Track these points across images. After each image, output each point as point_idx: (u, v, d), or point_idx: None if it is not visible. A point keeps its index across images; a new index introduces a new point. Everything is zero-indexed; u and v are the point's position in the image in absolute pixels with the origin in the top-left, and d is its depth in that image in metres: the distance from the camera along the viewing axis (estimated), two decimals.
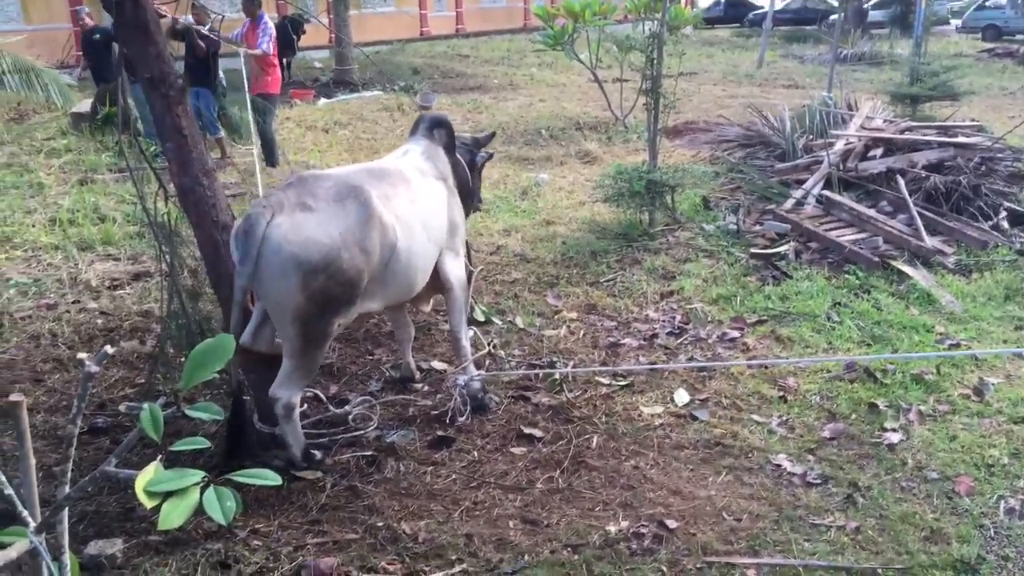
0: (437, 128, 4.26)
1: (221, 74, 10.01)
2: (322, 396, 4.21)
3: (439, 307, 5.35)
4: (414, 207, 3.74)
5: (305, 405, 4.14)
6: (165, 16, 8.71)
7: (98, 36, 10.67)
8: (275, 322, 3.45)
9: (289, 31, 16.54)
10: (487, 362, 4.73)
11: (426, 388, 4.48)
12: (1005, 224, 6.83)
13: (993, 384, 4.37)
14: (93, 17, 11.03)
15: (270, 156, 9.42)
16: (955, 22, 33.04)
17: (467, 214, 4.42)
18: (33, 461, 1.76)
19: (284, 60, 17.04)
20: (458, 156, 4.36)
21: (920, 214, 6.70)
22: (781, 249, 6.45)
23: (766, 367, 4.65)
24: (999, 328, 5.10)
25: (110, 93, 10.85)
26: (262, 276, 3.26)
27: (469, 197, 4.46)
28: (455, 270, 4.13)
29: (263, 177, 8.88)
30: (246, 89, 8.51)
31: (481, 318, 5.23)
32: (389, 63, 18.68)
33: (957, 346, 4.83)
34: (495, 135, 5.30)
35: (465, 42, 25.16)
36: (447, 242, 4.05)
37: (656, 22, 7.23)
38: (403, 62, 19.38)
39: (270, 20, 9.35)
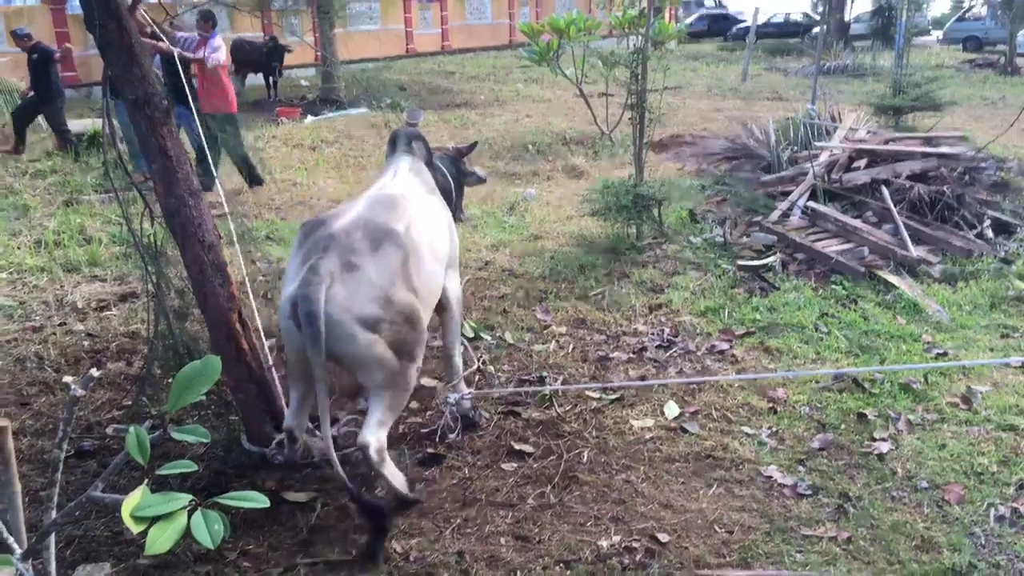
0: (415, 141, 4.24)
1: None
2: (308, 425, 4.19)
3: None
4: (424, 230, 3.71)
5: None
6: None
7: (35, 56, 10.67)
8: (359, 378, 3.34)
9: (273, 51, 16.59)
10: (476, 378, 4.72)
11: (415, 405, 4.46)
12: (989, 233, 6.89)
13: (981, 392, 4.39)
14: (32, 37, 10.99)
15: (253, 176, 9.30)
16: (936, 33, 33.42)
17: None
18: (19, 486, 1.75)
19: (270, 79, 17.10)
20: (439, 165, 4.36)
21: (905, 224, 6.75)
22: (768, 261, 6.48)
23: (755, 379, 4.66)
24: (985, 336, 5.13)
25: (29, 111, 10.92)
26: (336, 346, 3.19)
27: (452, 208, 4.45)
28: (453, 288, 4.10)
29: (250, 196, 8.87)
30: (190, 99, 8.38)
31: (470, 334, 5.23)
32: (375, 80, 18.72)
33: (944, 355, 4.85)
34: (476, 144, 5.33)
35: (451, 59, 25.25)
36: (449, 260, 4.03)
37: (640, 37, 7.27)
38: (389, 79, 19.43)
39: (221, 39, 9.20)
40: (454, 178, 4.58)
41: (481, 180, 5.11)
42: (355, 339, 3.20)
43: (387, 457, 3.37)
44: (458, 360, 4.21)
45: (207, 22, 9.14)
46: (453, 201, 4.49)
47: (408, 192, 3.88)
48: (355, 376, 3.33)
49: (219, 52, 9.00)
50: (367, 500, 3.33)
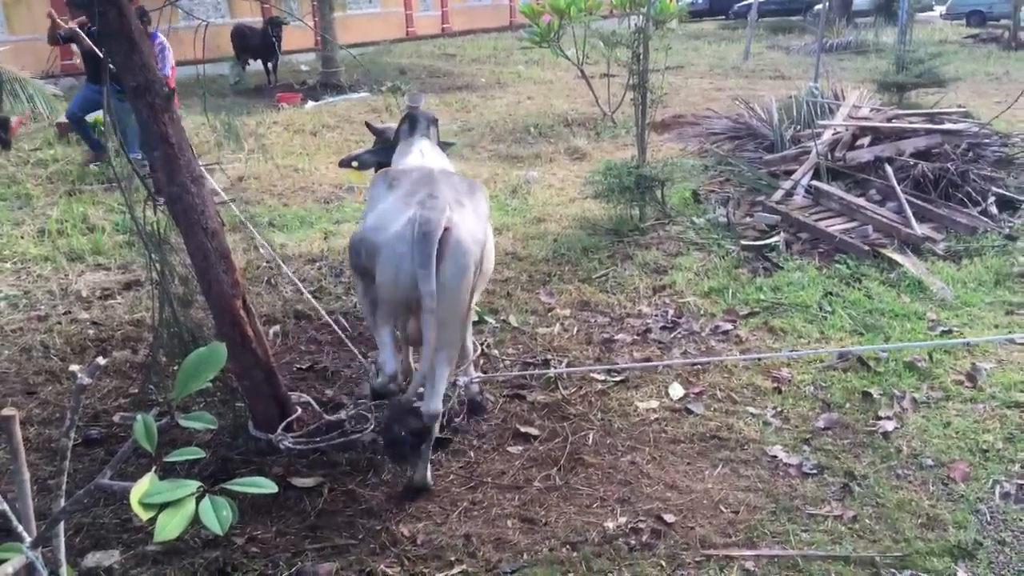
0: (433, 126, 4.29)
1: None
2: (312, 403, 4.20)
3: None
4: None
5: (299, 411, 4.14)
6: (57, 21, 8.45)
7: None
8: (442, 327, 3.25)
9: (270, 34, 16.50)
10: (481, 362, 4.73)
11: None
12: (994, 209, 6.86)
13: (986, 369, 4.39)
14: None
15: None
16: (939, 8, 33.13)
17: None
18: (27, 475, 1.76)
19: (269, 64, 17.03)
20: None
21: (909, 202, 6.72)
22: (771, 240, 6.46)
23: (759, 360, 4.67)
24: (990, 313, 5.12)
25: None
26: (450, 270, 3.19)
27: None
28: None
29: (252, 183, 8.86)
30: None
31: (475, 318, 5.23)
32: (376, 64, 18.65)
33: (949, 332, 4.84)
34: (454, 145, 5.23)
35: (451, 41, 25.13)
36: None
37: (642, 17, 7.22)
38: (390, 63, 19.35)
39: (164, 37, 8.29)
40: None
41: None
42: (468, 266, 3.23)
43: (435, 431, 3.45)
44: (469, 344, 4.20)
45: (143, 20, 8.49)
46: None
47: (447, 169, 3.93)
48: (438, 326, 3.20)
49: (170, 58, 8.28)
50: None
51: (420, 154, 4.03)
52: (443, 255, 3.16)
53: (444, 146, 4.52)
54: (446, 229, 3.17)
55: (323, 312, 5.18)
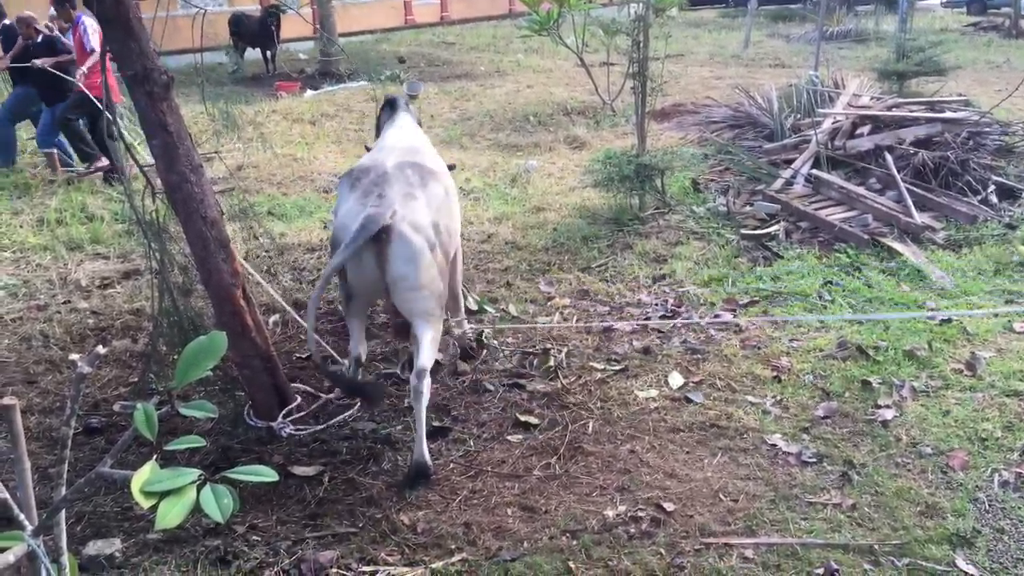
0: (411, 102, 4.88)
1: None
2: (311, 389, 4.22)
3: None
4: (445, 174, 4.18)
5: (299, 399, 4.15)
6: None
7: None
8: (412, 304, 3.64)
9: (268, 23, 16.43)
10: (483, 352, 4.74)
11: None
12: (994, 198, 6.86)
13: (985, 358, 4.39)
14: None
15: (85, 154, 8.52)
16: None
17: None
18: (28, 464, 1.76)
19: (268, 53, 16.96)
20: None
21: (909, 190, 6.72)
22: (771, 229, 6.45)
23: (759, 347, 4.67)
24: (990, 302, 5.12)
25: None
26: (395, 266, 3.54)
27: None
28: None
29: (252, 171, 8.84)
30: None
31: (474, 307, 5.24)
32: (374, 52, 18.58)
33: (948, 321, 4.84)
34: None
35: (450, 29, 25.02)
36: None
37: (641, 5, 7.19)
38: (388, 51, 19.26)
39: (88, 18, 8.15)
40: None
41: None
42: (420, 255, 3.58)
43: (426, 390, 3.62)
44: (460, 302, 4.61)
45: (64, 7, 8.40)
46: None
47: (423, 142, 4.41)
48: (407, 305, 3.63)
49: (96, 30, 8.03)
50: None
51: (399, 128, 4.48)
52: (391, 246, 3.52)
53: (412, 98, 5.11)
54: (389, 225, 3.51)
55: (270, 286, 5.17)
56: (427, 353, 3.63)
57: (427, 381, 3.59)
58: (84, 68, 8.07)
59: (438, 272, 3.67)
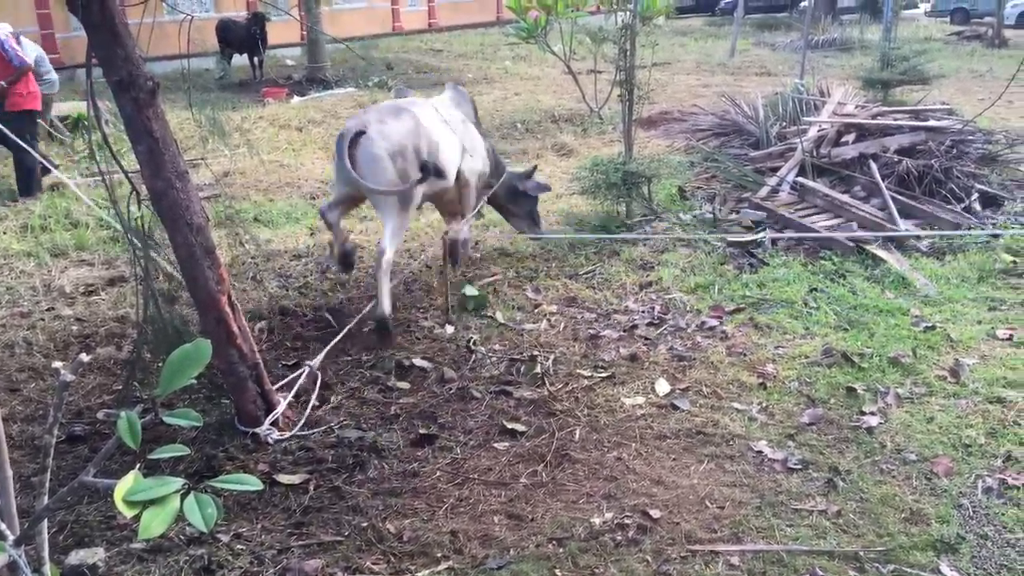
0: (466, 101, 5.91)
1: None
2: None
3: (419, 304, 5.38)
4: (435, 121, 5.29)
5: (284, 406, 4.13)
6: None
7: None
8: (373, 199, 5.13)
9: (254, 29, 16.41)
10: (472, 358, 4.74)
11: (407, 386, 4.47)
12: (977, 206, 6.92)
13: (969, 365, 4.42)
14: None
15: (25, 184, 8.25)
16: (924, 6, 33.34)
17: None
18: (10, 472, 1.75)
19: (255, 59, 16.94)
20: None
21: (893, 198, 6.77)
22: (757, 237, 6.48)
23: (745, 354, 4.69)
24: (973, 309, 5.16)
25: None
26: (364, 167, 4.85)
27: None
28: (469, 167, 5.62)
29: (238, 178, 8.81)
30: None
31: (475, 293, 5.40)
32: (362, 59, 18.57)
33: (932, 328, 4.88)
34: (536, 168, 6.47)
35: (438, 36, 25.07)
36: (468, 148, 5.62)
37: (628, 13, 7.23)
38: (376, 58, 19.28)
39: (3, 33, 8.19)
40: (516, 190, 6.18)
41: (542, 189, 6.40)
42: (382, 161, 4.87)
43: (388, 273, 4.89)
44: (469, 204, 5.77)
45: None
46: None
47: (426, 103, 5.51)
48: (371, 198, 5.13)
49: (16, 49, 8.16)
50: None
51: (425, 98, 5.85)
52: (358, 148, 4.85)
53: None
54: (360, 133, 4.85)
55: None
56: (387, 239, 4.91)
57: (386, 257, 4.84)
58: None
59: (397, 178, 4.87)
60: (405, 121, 5.00)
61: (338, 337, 4.74)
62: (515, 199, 6.24)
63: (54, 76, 9.41)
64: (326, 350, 4.58)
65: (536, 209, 6.36)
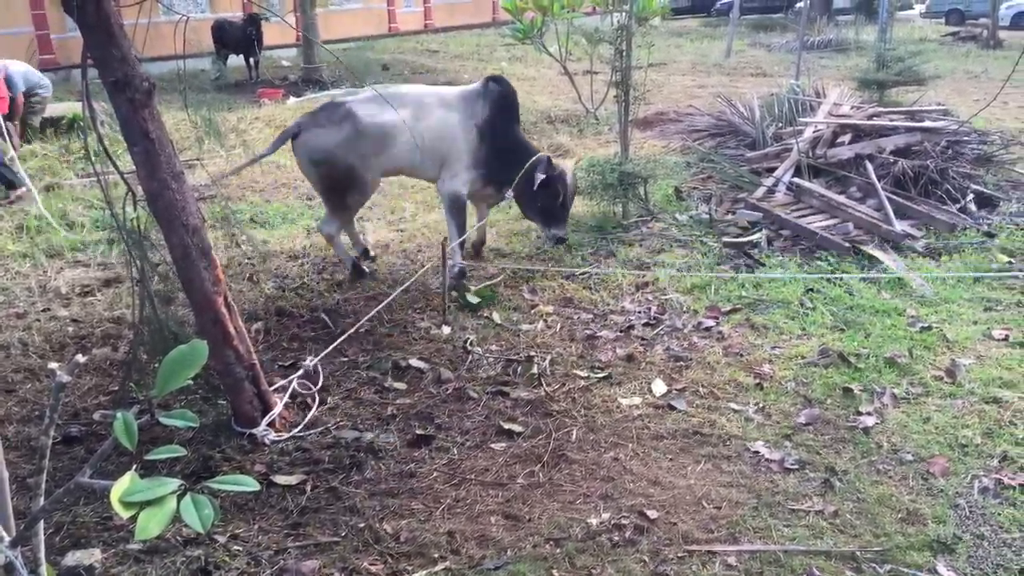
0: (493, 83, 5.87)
1: None
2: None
3: (415, 304, 5.38)
4: (417, 122, 5.58)
5: (281, 407, 4.13)
6: None
7: None
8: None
9: (250, 30, 16.40)
10: (469, 358, 4.74)
11: (404, 387, 4.47)
12: (972, 206, 6.93)
13: (965, 365, 4.43)
14: None
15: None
16: (919, 7, 33.40)
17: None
18: (6, 473, 1.74)
19: (251, 60, 16.92)
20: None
21: (889, 199, 6.78)
22: (753, 237, 6.49)
23: (741, 355, 4.69)
24: (969, 309, 5.17)
25: None
26: (300, 167, 5.79)
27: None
28: (444, 186, 5.84)
29: (234, 179, 8.80)
30: None
31: (475, 300, 5.40)
32: (358, 60, 18.57)
33: (928, 328, 4.89)
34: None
35: (434, 37, 25.05)
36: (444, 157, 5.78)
37: (624, 14, 7.24)
38: (372, 59, 19.27)
39: None
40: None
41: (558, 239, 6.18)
42: (306, 167, 5.68)
43: (337, 242, 5.95)
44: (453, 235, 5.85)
45: None
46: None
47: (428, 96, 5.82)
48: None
49: None
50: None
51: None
52: (295, 154, 5.69)
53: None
54: (295, 136, 5.57)
55: None
56: (323, 220, 5.92)
57: (328, 239, 5.94)
58: None
59: (329, 182, 5.61)
60: (345, 128, 5.50)
61: (338, 341, 4.74)
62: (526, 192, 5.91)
63: (48, 91, 9.93)
64: (325, 352, 4.57)
65: (553, 205, 5.91)
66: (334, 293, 5.75)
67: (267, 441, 3.86)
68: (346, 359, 4.79)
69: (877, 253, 6.00)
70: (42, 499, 1.75)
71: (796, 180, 7.40)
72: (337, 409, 4.24)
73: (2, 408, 4.25)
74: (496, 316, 5.31)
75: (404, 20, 26.72)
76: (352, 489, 3.56)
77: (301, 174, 8.97)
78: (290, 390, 4.19)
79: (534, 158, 5.78)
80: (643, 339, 4.98)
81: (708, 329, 5.07)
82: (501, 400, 4.30)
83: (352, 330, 4.88)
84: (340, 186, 5.61)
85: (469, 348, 4.86)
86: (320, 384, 4.36)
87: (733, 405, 4.19)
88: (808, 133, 8.15)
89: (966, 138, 7.92)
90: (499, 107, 5.74)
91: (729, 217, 7.08)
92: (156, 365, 3.76)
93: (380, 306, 5.18)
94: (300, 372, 4.34)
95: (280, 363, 4.76)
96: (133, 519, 1.54)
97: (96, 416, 4.19)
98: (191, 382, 1.67)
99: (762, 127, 8.99)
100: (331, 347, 4.65)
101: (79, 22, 3.39)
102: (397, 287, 5.66)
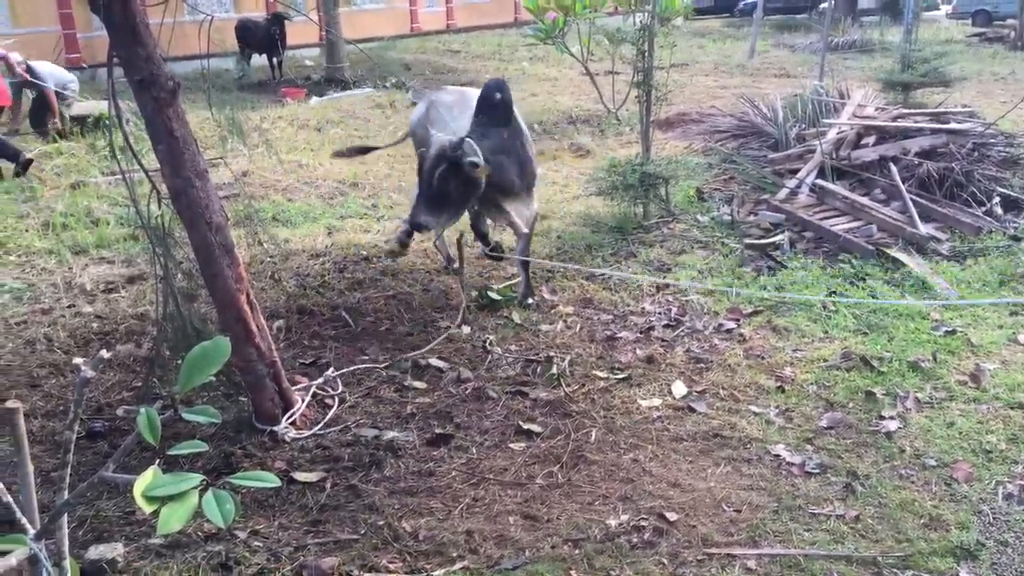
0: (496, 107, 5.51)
1: None
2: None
3: (435, 303, 5.39)
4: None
5: (302, 405, 4.15)
6: None
7: None
8: None
9: (273, 30, 16.49)
10: (488, 359, 4.74)
11: (423, 386, 4.48)
12: (998, 210, 6.84)
13: (990, 370, 4.38)
14: None
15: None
16: (945, 8, 33.05)
17: None
18: (31, 467, 1.76)
19: (274, 59, 17.02)
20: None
21: (913, 201, 6.71)
22: (776, 239, 6.45)
23: (762, 357, 4.66)
24: (994, 314, 5.10)
25: None
26: None
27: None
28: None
29: (256, 178, 8.86)
30: None
31: (497, 297, 5.41)
32: (380, 59, 18.63)
33: (952, 332, 4.83)
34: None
35: (456, 37, 25.09)
36: None
37: (647, 14, 7.21)
38: (394, 58, 19.32)
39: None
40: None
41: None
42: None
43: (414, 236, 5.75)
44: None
45: None
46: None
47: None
48: None
49: None
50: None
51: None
52: None
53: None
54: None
55: None
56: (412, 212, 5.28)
57: (411, 230, 5.46)
58: None
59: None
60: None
61: (362, 361, 4.75)
62: None
63: (75, 88, 10.42)
64: (348, 369, 4.59)
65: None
66: (355, 292, 5.77)
67: (288, 438, 3.88)
68: (366, 357, 4.80)
69: (901, 256, 5.94)
70: (66, 493, 1.76)
71: (819, 182, 7.34)
72: (357, 407, 4.26)
73: (27, 403, 4.29)
74: (516, 316, 5.31)
75: (426, 20, 26.78)
76: (371, 487, 3.57)
77: (323, 174, 9.09)
78: (311, 390, 4.22)
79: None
80: (663, 340, 4.96)
81: (729, 331, 5.05)
82: (520, 400, 4.30)
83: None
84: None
85: (488, 348, 4.86)
86: (340, 391, 4.38)
87: (754, 408, 4.16)
88: (832, 134, 8.09)
89: (992, 140, 7.82)
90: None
91: (751, 218, 7.04)
92: (179, 361, 3.80)
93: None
94: (320, 380, 4.35)
95: (301, 361, 4.79)
96: (155, 514, 1.56)
97: (120, 411, 4.23)
98: (213, 378, 1.69)
99: (785, 128, 8.92)
100: (351, 368, 4.67)
101: (105, 21, 3.43)
102: (417, 286, 5.68)
